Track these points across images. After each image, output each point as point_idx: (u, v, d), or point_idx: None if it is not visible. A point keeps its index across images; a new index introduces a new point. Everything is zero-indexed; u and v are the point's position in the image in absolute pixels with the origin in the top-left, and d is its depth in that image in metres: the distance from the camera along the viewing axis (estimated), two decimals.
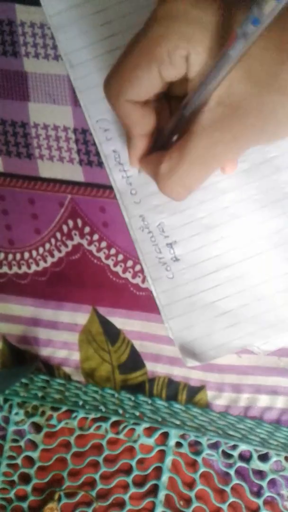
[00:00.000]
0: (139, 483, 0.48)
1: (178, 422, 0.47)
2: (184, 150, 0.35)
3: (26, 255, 0.49)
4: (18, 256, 0.49)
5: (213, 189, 0.45)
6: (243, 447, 0.46)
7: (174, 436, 0.47)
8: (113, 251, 0.48)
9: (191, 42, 0.32)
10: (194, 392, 0.49)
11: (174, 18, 0.32)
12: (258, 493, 0.47)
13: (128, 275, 0.48)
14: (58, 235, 0.48)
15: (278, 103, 0.32)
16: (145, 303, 0.48)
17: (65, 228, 0.48)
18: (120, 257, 0.48)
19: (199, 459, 0.47)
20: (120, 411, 0.47)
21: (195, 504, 0.47)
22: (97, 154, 0.46)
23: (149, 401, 0.49)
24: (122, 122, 0.38)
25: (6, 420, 0.49)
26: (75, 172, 0.47)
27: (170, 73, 0.33)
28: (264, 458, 0.47)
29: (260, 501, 0.46)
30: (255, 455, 0.46)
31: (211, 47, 0.32)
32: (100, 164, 0.46)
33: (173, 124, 0.37)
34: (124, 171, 0.45)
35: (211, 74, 0.32)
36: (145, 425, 0.47)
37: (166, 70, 0.33)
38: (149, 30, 0.33)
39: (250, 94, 0.32)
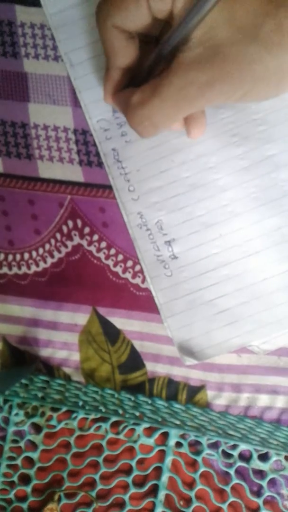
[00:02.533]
0: (139, 483, 0.48)
1: (178, 422, 0.46)
2: (158, 85, 0.35)
3: (26, 255, 0.49)
4: (18, 256, 0.49)
5: (212, 187, 0.45)
6: (243, 447, 0.46)
7: (174, 436, 0.47)
8: (113, 251, 0.48)
9: None
10: (194, 392, 0.49)
11: None
12: (258, 493, 0.47)
13: (128, 275, 0.48)
14: (58, 235, 0.48)
15: (257, 56, 0.32)
16: (145, 303, 0.48)
17: (65, 228, 0.48)
18: (120, 257, 0.48)
19: (199, 459, 0.47)
20: (120, 411, 0.47)
21: (195, 504, 0.47)
22: (97, 154, 0.47)
23: (149, 401, 0.49)
24: (105, 49, 0.38)
25: (6, 420, 0.49)
26: (74, 173, 0.47)
27: (157, 5, 0.34)
28: (264, 457, 0.47)
29: (260, 501, 0.46)
30: (255, 455, 0.46)
31: None
32: (100, 164, 0.47)
33: (151, 61, 0.37)
34: (122, 168, 0.45)
35: (192, 11, 0.32)
36: (145, 425, 0.47)
37: (154, 0, 0.34)
38: None
39: (231, 40, 0.32)
